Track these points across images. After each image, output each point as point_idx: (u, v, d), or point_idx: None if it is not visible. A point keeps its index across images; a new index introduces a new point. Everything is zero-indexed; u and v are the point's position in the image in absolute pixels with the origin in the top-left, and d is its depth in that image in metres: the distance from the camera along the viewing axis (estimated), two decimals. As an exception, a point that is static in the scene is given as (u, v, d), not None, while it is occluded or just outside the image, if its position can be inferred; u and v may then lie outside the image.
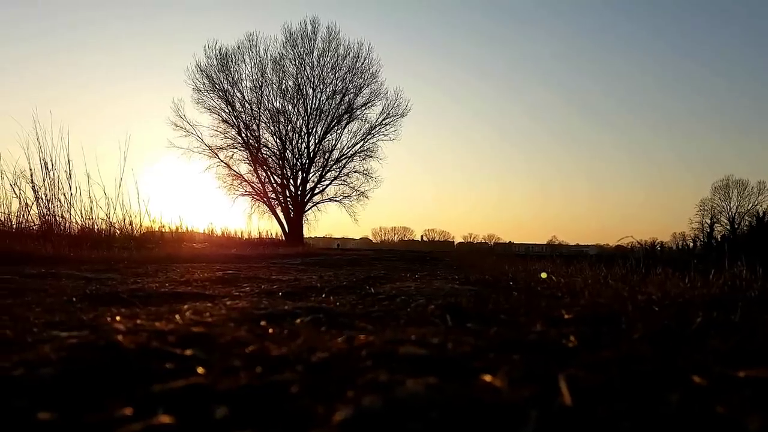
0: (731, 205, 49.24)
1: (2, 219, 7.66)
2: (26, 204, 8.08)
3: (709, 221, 46.00)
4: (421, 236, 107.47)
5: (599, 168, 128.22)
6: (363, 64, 28.57)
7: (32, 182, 8.24)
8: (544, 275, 3.32)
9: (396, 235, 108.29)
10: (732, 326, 1.51)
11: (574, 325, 1.56)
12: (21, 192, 8.03)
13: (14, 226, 7.78)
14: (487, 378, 0.94)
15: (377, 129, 29.19)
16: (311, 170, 29.33)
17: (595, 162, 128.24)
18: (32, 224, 8.13)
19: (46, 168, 8.42)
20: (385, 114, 29.00)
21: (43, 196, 8.33)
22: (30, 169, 8.27)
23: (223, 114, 27.80)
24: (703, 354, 1.17)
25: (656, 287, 2.33)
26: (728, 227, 47.09)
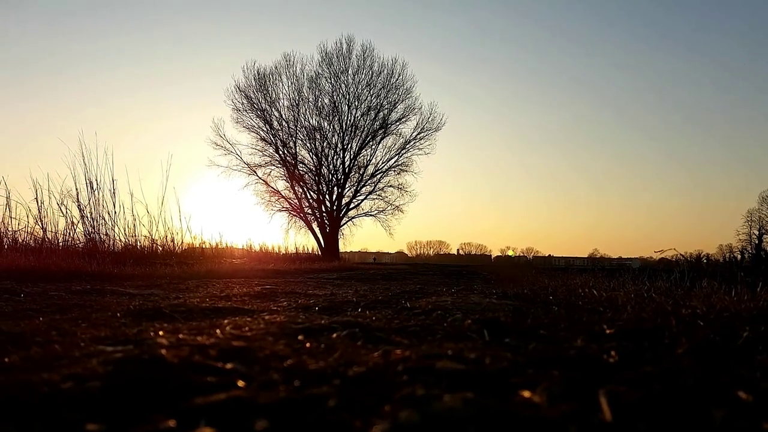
0: (780, 216, 47.30)
1: (50, 237, 7.96)
2: (72, 222, 8.40)
3: (757, 232, 44.41)
4: (458, 250, 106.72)
5: (642, 179, 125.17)
6: (397, 80, 28.73)
7: (78, 201, 8.57)
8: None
9: (431, 249, 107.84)
10: (782, 341, 1.45)
11: (616, 340, 1.53)
12: (67, 211, 8.36)
13: (61, 244, 8.07)
14: (526, 393, 0.93)
15: (412, 143, 29.24)
16: (346, 185, 29.55)
17: (638, 172, 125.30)
18: (78, 242, 8.43)
19: (92, 187, 8.75)
20: (420, 128, 29.04)
21: (89, 215, 8.65)
22: (76, 189, 8.61)
23: (261, 132, 28.34)
24: (749, 369, 1.13)
25: (701, 301, 2.26)
26: (777, 238, 45.22)
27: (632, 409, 0.83)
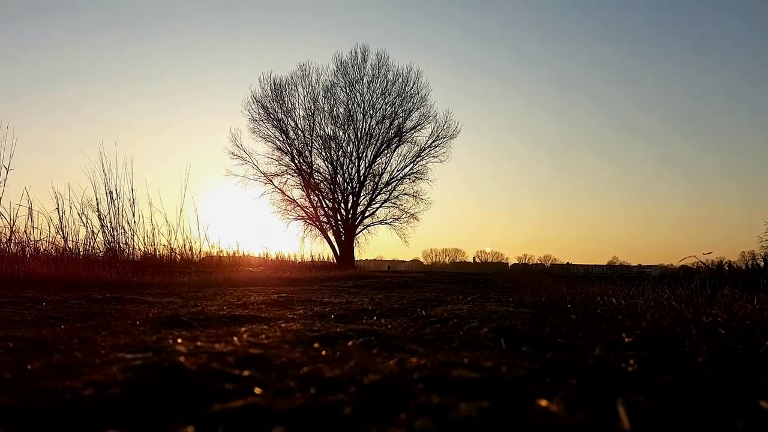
0: (804, 222, 46.28)
1: (71, 246, 8.08)
2: (93, 232, 8.53)
3: (780, 239, 43.55)
4: (474, 258, 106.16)
5: (662, 185, 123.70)
6: (412, 88, 28.83)
7: (98, 211, 8.70)
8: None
9: (447, 257, 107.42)
10: (806, 350, 1.42)
11: (635, 349, 1.51)
12: (88, 221, 8.49)
13: (81, 253, 8.19)
14: (543, 402, 0.92)
15: (427, 151, 29.28)
16: (361, 193, 29.63)
17: (658, 179, 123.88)
18: (98, 251, 8.55)
19: (111, 197, 8.88)
20: (435, 136, 29.08)
21: (108, 224, 8.77)
22: (96, 199, 8.74)
23: (277, 142, 28.59)
24: (772, 379, 1.10)
25: (722, 309, 2.22)
26: (802, 245, 44.29)
27: (651, 418, 0.82)
